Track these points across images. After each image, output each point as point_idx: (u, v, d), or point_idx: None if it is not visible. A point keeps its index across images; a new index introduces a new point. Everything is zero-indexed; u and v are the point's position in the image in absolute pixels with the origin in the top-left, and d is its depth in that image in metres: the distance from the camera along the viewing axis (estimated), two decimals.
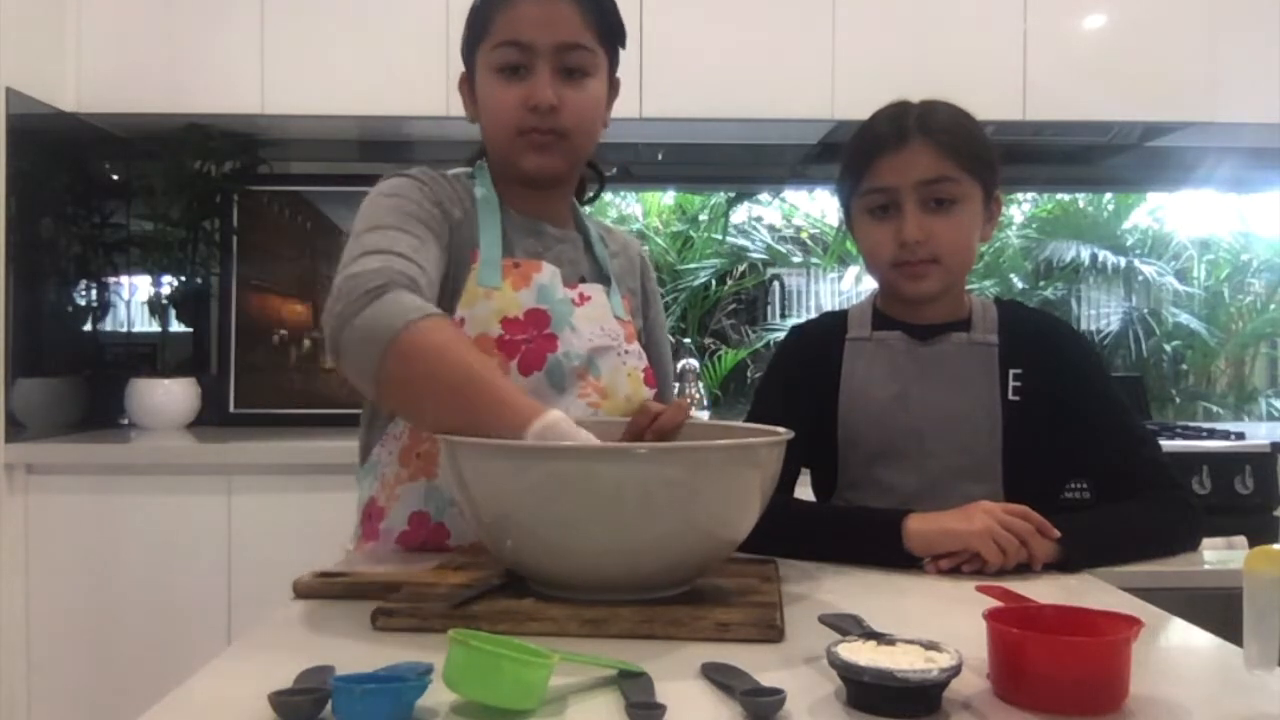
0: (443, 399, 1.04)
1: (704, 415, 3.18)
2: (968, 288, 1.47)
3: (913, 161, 1.34)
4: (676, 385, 3.22)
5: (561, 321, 1.28)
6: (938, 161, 1.33)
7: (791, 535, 1.25)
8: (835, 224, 3.84)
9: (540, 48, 1.24)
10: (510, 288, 1.26)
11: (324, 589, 1.05)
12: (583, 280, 1.36)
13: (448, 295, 1.24)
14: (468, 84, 1.35)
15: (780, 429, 1.06)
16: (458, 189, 1.31)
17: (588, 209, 1.50)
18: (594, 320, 1.32)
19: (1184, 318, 3.95)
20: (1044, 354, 1.40)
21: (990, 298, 1.48)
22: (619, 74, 1.37)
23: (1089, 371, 1.42)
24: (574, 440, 0.98)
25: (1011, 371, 1.38)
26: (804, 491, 1.45)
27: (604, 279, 1.39)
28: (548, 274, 1.29)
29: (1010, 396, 1.37)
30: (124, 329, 3.03)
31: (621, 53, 1.35)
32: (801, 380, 1.44)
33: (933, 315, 1.41)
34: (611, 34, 1.31)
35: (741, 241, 3.90)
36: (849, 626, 0.86)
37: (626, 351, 1.35)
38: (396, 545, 1.28)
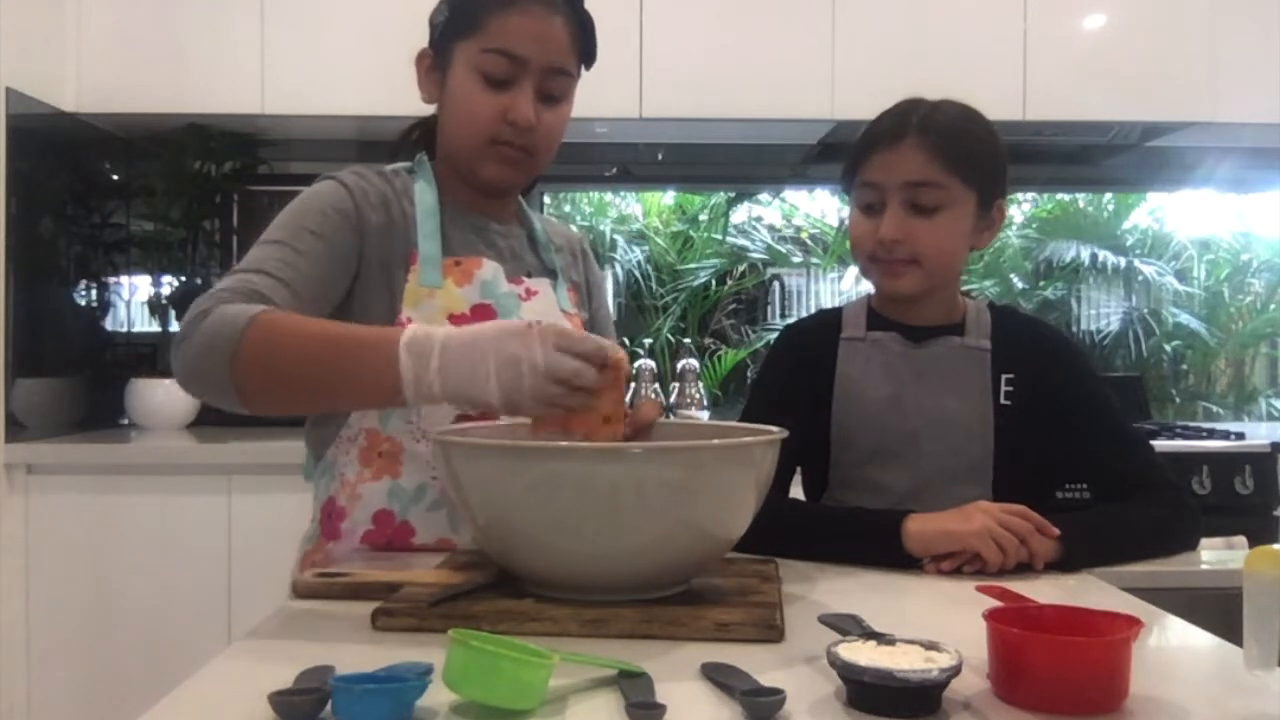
0: (311, 361, 1.06)
1: (704, 415, 3.18)
2: (964, 288, 1.47)
3: (902, 161, 1.33)
4: (676, 385, 3.23)
5: (509, 313, 1.28)
6: (925, 165, 1.33)
7: (790, 536, 1.25)
8: (835, 224, 3.84)
9: (531, 65, 1.25)
10: (453, 285, 1.27)
11: (324, 589, 1.05)
12: (528, 275, 1.36)
13: (384, 294, 1.25)
14: (432, 63, 1.34)
15: (774, 428, 1.05)
16: (396, 186, 1.31)
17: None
18: (541, 315, 1.32)
19: (1184, 318, 3.95)
20: (1036, 359, 1.41)
21: (985, 301, 1.48)
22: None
23: (1081, 376, 1.43)
24: (439, 339, 0.99)
25: (1004, 376, 1.39)
26: (795, 491, 1.45)
27: (549, 273, 1.40)
28: (489, 270, 1.30)
29: (1002, 401, 1.38)
30: (124, 329, 3.03)
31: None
32: (796, 379, 1.44)
33: (926, 317, 1.42)
34: (589, 57, 1.33)
35: (741, 241, 3.90)
36: (849, 626, 0.86)
37: None
38: (361, 544, 1.27)
